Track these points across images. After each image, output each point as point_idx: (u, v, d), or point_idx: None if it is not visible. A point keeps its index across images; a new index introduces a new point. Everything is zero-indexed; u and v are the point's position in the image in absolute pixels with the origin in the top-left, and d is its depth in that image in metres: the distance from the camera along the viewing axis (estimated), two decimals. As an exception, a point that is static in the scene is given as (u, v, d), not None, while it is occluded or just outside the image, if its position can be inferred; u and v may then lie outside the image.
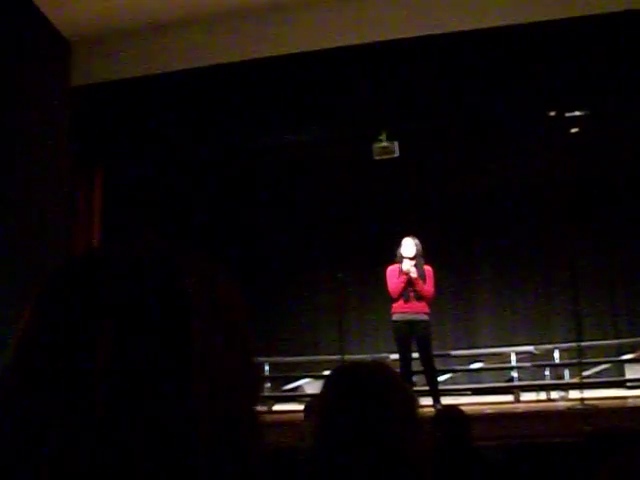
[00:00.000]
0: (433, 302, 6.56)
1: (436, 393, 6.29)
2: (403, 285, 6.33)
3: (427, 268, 6.46)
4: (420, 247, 6.48)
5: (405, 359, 6.38)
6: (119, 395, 0.51)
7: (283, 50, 5.75)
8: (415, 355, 6.46)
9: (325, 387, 1.36)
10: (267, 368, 8.27)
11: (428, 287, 6.39)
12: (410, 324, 6.32)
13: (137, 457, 0.50)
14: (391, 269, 6.49)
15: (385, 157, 7.00)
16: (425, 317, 6.37)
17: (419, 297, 6.34)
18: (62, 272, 0.57)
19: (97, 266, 0.56)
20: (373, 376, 1.33)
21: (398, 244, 6.54)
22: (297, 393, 8.17)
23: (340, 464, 1.23)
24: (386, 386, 1.31)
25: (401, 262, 6.42)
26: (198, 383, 0.53)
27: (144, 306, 0.53)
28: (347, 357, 7.88)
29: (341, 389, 1.31)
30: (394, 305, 6.41)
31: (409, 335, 6.36)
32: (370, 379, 1.32)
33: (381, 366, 1.41)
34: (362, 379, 1.32)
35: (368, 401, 1.27)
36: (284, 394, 8.31)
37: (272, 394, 8.06)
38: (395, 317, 6.41)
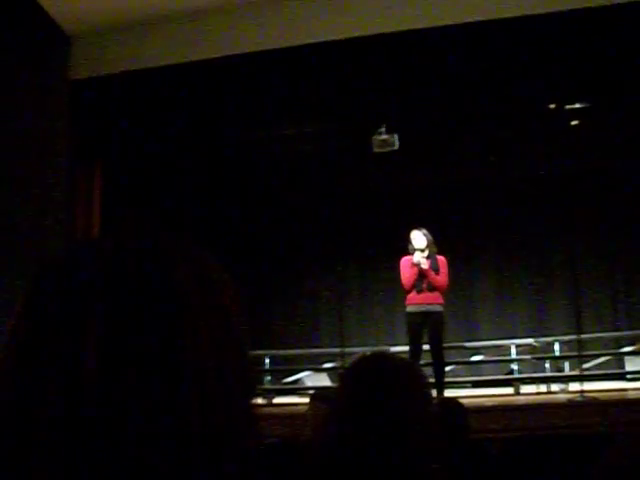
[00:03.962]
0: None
1: (441, 385, 6.26)
2: (415, 277, 6.28)
3: (440, 258, 6.38)
4: (430, 237, 6.40)
5: (415, 350, 6.34)
6: (109, 392, 0.50)
7: (282, 43, 5.74)
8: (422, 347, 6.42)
9: (347, 377, 1.35)
10: (267, 361, 8.27)
11: (441, 277, 6.32)
12: (424, 315, 6.27)
13: (130, 454, 0.50)
14: (404, 260, 6.40)
15: (385, 150, 7.00)
16: (439, 308, 6.32)
17: (432, 288, 6.29)
18: (49, 266, 0.56)
19: (84, 260, 0.55)
20: (398, 370, 1.31)
21: (407, 238, 6.44)
22: (297, 386, 8.17)
23: (356, 455, 1.22)
24: (410, 381, 1.30)
25: (414, 254, 6.36)
26: (190, 378, 0.53)
27: (133, 302, 0.53)
28: (347, 350, 7.89)
29: (364, 381, 1.30)
30: (408, 297, 6.36)
31: (422, 326, 6.31)
32: (394, 373, 1.30)
33: (403, 360, 1.39)
34: (386, 372, 1.30)
35: (391, 395, 1.25)
36: (284, 387, 8.31)
37: (272, 387, 8.07)
38: (409, 308, 6.36)
